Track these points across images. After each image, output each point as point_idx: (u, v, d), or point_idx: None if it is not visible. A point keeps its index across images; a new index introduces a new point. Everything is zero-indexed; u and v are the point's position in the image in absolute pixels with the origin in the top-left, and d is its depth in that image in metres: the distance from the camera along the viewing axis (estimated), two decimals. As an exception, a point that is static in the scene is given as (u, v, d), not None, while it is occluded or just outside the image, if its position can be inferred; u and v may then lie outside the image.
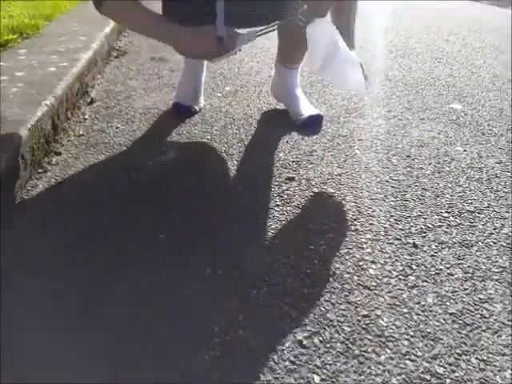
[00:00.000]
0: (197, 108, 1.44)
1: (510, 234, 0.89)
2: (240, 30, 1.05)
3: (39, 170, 1.03)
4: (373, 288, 0.74)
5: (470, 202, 0.99)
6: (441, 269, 0.78)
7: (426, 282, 0.76)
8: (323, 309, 0.69)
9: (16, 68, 1.35)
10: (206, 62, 1.51)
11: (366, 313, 0.69)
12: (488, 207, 0.97)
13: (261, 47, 2.18)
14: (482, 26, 3.10)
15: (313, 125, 1.35)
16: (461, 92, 1.69)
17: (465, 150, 1.23)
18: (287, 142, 1.27)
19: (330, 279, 0.76)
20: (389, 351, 0.62)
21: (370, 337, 0.64)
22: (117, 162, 1.10)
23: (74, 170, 1.04)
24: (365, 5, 3.67)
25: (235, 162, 1.15)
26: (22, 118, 0.99)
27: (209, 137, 1.28)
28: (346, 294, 0.73)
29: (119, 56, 2.02)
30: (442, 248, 0.84)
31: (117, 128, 1.29)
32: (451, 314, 0.69)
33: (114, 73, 1.80)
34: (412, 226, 0.90)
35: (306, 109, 1.39)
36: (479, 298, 0.72)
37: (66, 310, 0.67)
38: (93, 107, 1.43)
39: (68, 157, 1.11)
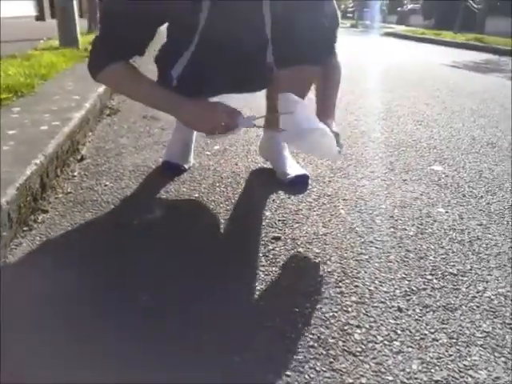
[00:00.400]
0: (186, 166, 1.47)
1: (492, 297, 0.89)
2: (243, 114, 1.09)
3: (24, 228, 1.02)
4: (358, 354, 0.73)
5: (452, 264, 1.00)
6: (425, 334, 0.78)
7: (411, 347, 0.75)
8: (307, 376, 0.68)
9: (9, 126, 1.38)
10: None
11: (351, 381, 0.67)
12: (470, 270, 0.98)
13: (250, 107, 2.26)
14: (460, 91, 3.27)
15: (299, 184, 1.38)
16: (441, 154, 1.76)
17: (446, 212, 1.26)
18: (274, 200, 1.29)
19: (315, 344, 0.74)
20: (374, 423, 0.60)
21: (355, 407, 0.63)
22: (103, 221, 1.10)
23: (59, 229, 1.04)
24: (349, 69, 3.89)
25: (222, 221, 1.16)
26: (11, 176, 1.01)
27: (196, 195, 1.30)
28: (331, 360, 0.71)
29: (111, 114, 2.08)
30: (427, 312, 0.84)
31: (105, 186, 1.31)
32: (436, 381, 0.68)
33: (105, 130, 1.85)
34: (396, 289, 0.90)
35: (293, 168, 1.43)
36: (464, 365, 0.71)
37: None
38: (82, 164, 1.45)
39: (55, 215, 1.11)
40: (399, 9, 19.03)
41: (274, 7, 1.07)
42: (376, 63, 4.94)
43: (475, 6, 11.96)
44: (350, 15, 21.40)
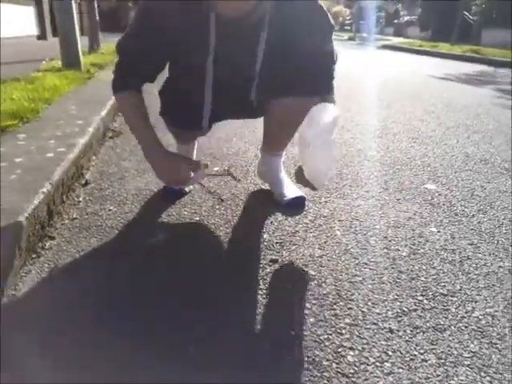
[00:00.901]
0: (186, 189, 1.52)
1: (480, 317, 0.93)
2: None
3: (33, 256, 1.07)
4: (350, 375, 0.77)
5: (443, 284, 1.04)
6: (415, 355, 0.82)
7: (401, 368, 0.79)
8: (303, 399, 0.72)
9: (15, 154, 1.44)
10: (196, 144, 1.63)
11: (343, 402, 0.71)
12: (460, 290, 1.02)
13: (248, 128, 2.32)
14: (455, 105, 3.33)
15: (296, 206, 1.43)
16: (435, 172, 1.80)
17: (439, 231, 1.30)
18: (271, 222, 1.33)
19: (310, 367, 0.78)
20: None
21: (347, 428, 0.67)
22: (108, 246, 1.15)
23: (66, 255, 1.09)
24: (346, 85, 3.96)
25: (222, 244, 1.21)
26: (20, 206, 1.06)
27: (197, 218, 1.35)
28: (325, 382, 0.75)
29: (114, 137, 2.14)
30: (417, 333, 0.88)
31: (109, 210, 1.35)
32: (425, 402, 0.72)
33: (108, 154, 1.90)
34: (388, 310, 0.94)
35: (290, 190, 1.48)
36: (452, 386, 0.75)
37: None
38: (87, 189, 1.51)
39: (61, 241, 1.16)
40: (396, 21, 19.25)
41: (269, 42, 1.13)
42: (373, 78, 5.02)
43: (471, 17, 12.13)
44: (348, 28, 21.63)
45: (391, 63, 7.40)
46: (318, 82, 1.24)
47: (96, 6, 5.51)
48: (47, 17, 8.62)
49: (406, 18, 18.64)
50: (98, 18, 5.45)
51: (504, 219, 1.40)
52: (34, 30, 8.33)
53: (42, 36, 8.41)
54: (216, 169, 1.23)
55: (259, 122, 1.49)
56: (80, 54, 3.61)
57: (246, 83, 1.22)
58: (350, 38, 16.23)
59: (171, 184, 1.38)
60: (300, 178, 1.34)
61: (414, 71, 5.94)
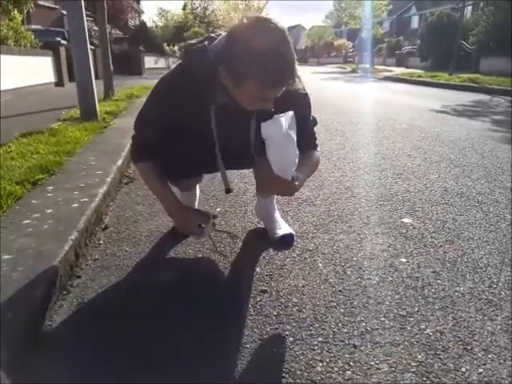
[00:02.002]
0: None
1: (430, 333, 1.13)
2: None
3: (64, 292, 1.30)
4: (317, 381, 0.97)
5: (404, 307, 1.24)
6: (371, 364, 1.02)
7: (359, 375, 0.99)
8: (278, 399, 0.92)
9: (46, 205, 1.70)
10: (198, 189, 1.87)
11: (310, 402, 0.92)
12: (417, 311, 1.22)
13: (248, 170, 2.57)
14: (443, 139, 3.56)
15: (286, 242, 1.65)
16: (413, 206, 2.02)
17: (407, 261, 1.51)
18: (264, 257, 1.56)
19: (286, 376, 0.99)
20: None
21: (310, 420, 0.87)
22: (125, 283, 1.38)
23: (91, 291, 1.32)
24: (343, 123, 4.22)
25: (221, 277, 1.43)
26: (54, 251, 1.30)
27: (200, 255, 1.58)
28: (297, 387, 0.96)
29: (129, 183, 2.41)
30: (375, 347, 1.08)
31: (125, 251, 1.59)
32: (375, 400, 0.92)
33: (124, 199, 2.16)
34: (355, 330, 1.15)
35: (281, 228, 1.71)
36: (397, 387, 0.95)
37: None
38: (106, 233, 1.75)
39: (86, 279, 1.39)
40: (397, 52, 19.84)
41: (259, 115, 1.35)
42: (369, 115, 5.28)
43: (469, 47, 12.51)
44: (351, 59, 22.25)
45: (389, 98, 7.69)
46: (299, 142, 1.49)
47: (110, 53, 5.95)
48: (64, 63, 9.20)
49: (407, 49, 19.23)
50: (112, 67, 5.87)
51: (467, 249, 1.60)
52: (51, 78, 8.88)
53: (59, 83, 8.96)
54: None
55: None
56: (96, 104, 3.96)
57: (246, 146, 1.43)
58: (353, 70, 16.75)
59: (186, 233, 1.63)
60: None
61: (411, 105, 6.21)
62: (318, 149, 1.55)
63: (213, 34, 1.32)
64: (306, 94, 1.44)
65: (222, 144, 1.41)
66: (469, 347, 1.08)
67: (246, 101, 1.22)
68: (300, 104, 1.43)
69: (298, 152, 1.29)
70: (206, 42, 1.26)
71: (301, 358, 1.05)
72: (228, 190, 1.54)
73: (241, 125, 1.36)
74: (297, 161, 1.29)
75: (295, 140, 1.26)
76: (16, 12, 7.76)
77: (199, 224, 1.46)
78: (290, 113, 1.26)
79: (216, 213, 1.57)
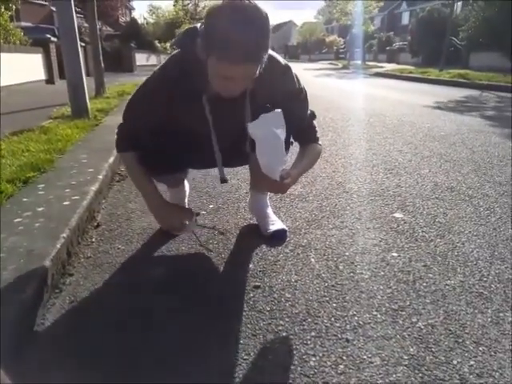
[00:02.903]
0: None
1: (422, 327, 1.14)
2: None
3: (56, 291, 1.30)
4: (311, 376, 0.98)
5: (395, 301, 1.26)
6: (364, 358, 1.03)
7: (352, 369, 1.00)
8: (272, 394, 0.93)
9: (37, 203, 1.69)
10: (187, 184, 1.86)
11: (303, 395, 0.93)
12: (409, 305, 1.24)
13: (242, 167, 2.57)
14: (434, 134, 3.59)
15: (278, 238, 1.66)
16: (404, 201, 2.03)
17: (399, 256, 1.52)
18: (257, 253, 1.56)
19: (280, 370, 1.00)
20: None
21: (303, 413, 0.87)
22: (118, 280, 1.38)
23: (83, 289, 1.32)
24: (335, 120, 4.23)
25: (214, 273, 1.43)
26: (46, 250, 1.29)
27: (193, 251, 1.58)
28: (290, 381, 0.97)
29: (120, 180, 2.40)
30: (368, 341, 1.09)
31: (118, 249, 1.59)
32: (367, 393, 0.93)
33: (116, 196, 2.15)
34: (347, 324, 1.16)
35: (274, 224, 1.71)
36: (389, 381, 0.96)
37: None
38: (99, 230, 1.74)
39: (79, 277, 1.39)
40: (388, 48, 19.89)
41: (253, 106, 1.34)
42: (360, 111, 5.30)
43: (459, 43, 12.58)
44: (342, 56, 22.28)
45: (380, 94, 7.72)
46: (299, 136, 1.50)
47: (101, 50, 5.90)
48: (54, 61, 9.11)
49: (398, 45, 19.29)
50: (103, 64, 5.83)
51: (458, 243, 1.62)
52: (42, 75, 8.79)
53: (49, 80, 8.88)
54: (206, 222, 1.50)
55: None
56: (88, 101, 3.93)
57: (240, 139, 1.42)
58: (344, 67, 16.77)
59: (168, 230, 1.63)
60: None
61: (402, 101, 6.24)
62: (320, 142, 1.56)
63: None
64: (303, 89, 1.45)
65: (217, 136, 1.39)
66: (460, 340, 1.09)
67: (213, 80, 1.19)
68: (295, 98, 1.44)
69: (285, 152, 1.29)
70: (198, 25, 1.25)
71: (294, 352, 1.05)
72: (223, 180, 1.50)
73: (235, 116, 1.33)
74: (285, 159, 1.29)
75: (283, 139, 1.25)
76: (3, 9, 7.66)
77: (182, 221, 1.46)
78: (278, 111, 1.25)
79: (198, 210, 1.56)
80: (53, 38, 9.30)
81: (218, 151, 1.43)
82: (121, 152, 1.49)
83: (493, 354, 1.05)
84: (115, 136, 1.48)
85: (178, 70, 1.29)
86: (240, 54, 1.07)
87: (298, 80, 1.43)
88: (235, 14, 1.05)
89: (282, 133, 1.25)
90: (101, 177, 2.06)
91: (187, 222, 1.47)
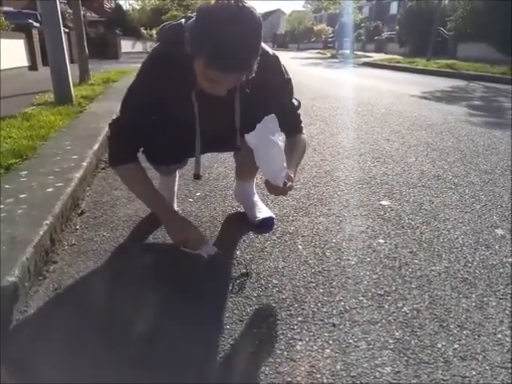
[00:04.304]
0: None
1: (407, 311, 1.15)
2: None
3: (39, 278, 1.28)
4: (297, 360, 0.98)
5: (381, 287, 1.26)
6: (350, 342, 1.03)
7: (338, 353, 1.00)
8: (258, 379, 0.93)
9: (19, 190, 1.65)
10: (177, 173, 1.84)
11: (289, 379, 0.93)
12: (395, 290, 1.25)
13: (229, 154, 2.55)
14: (421, 124, 3.61)
15: (266, 225, 1.65)
16: (391, 189, 2.04)
17: (385, 242, 1.53)
18: (244, 240, 1.55)
19: (266, 355, 1.00)
20: (302, 407, 0.85)
21: (290, 397, 0.88)
22: (103, 268, 1.36)
23: (68, 276, 1.30)
24: (323, 109, 4.23)
25: (200, 261, 1.41)
26: (29, 237, 1.27)
27: (180, 239, 1.56)
28: (277, 366, 0.97)
29: (105, 167, 2.36)
30: (354, 326, 1.09)
31: (103, 236, 1.57)
32: (353, 376, 0.93)
33: (101, 184, 2.12)
34: (333, 309, 1.16)
35: (261, 212, 1.70)
36: (375, 364, 0.97)
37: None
38: (83, 218, 1.72)
39: (63, 264, 1.36)
40: (376, 37, 19.89)
41: (243, 101, 1.32)
42: (349, 99, 5.30)
43: (447, 33, 12.62)
44: (331, 45, 22.23)
45: (368, 84, 7.73)
46: (285, 127, 1.48)
47: (85, 36, 5.78)
48: (37, 47, 8.91)
49: (386, 35, 19.30)
50: (87, 50, 5.71)
51: (444, 229, 1.63)
52: (24, 62, 8.59)
53: (32, 67, 8.68)
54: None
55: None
56: (71, 88, 3.85)
57: (230, 134, 1.40)
58: (333, 56, 16.73)
59: (179, 246, 1.42)
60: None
61: (389, 91, 6.25)
62: (304, 131, 1.55)
63: (190, 14, 1.29)
64: (290, 80, 1.43)
65: (204, 129, 1.36)
66: (444, 324, 1.11)
67: (199, 77, 1.16)
68: (283, 88, 1.42)
69: (284, 157, 1.29)
70: (183, 20, 1.22)
71: (281, 337, 1.05)
72: (197, 176, 1.47)
73: (224, 108, 1.31)
74: (285, 165, 1.30)
75: (280, 144, 1.26)
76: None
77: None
78: (271, 116, 1.25)
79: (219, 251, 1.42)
80: (35, 24, 9.08)
81: (199, 147, 1.41)
82: (119, 165, 1.37)
83: (476, 337, 1.06)
84: (108, 149, 1.43)
85: (165, 65, 1.25)
86: (231, 64, 1.06)
87: (285, 70, 1.42)
88: (229, 19, 1.01)
89: (278, 137, 1.27)
90: (85, 164, 2.02)
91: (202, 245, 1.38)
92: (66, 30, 8.04)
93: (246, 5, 1.03)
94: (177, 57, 1.19)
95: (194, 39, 1.08)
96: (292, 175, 1.39)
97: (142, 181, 1.38)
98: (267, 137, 1.25)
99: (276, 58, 1.36)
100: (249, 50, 1.06)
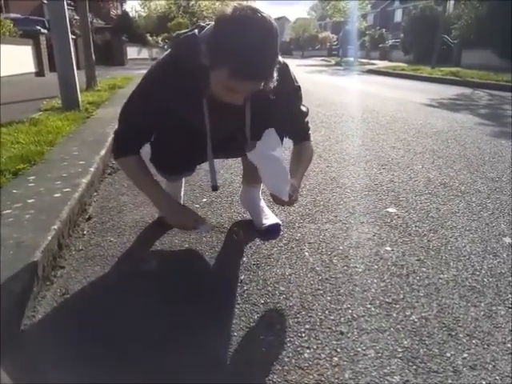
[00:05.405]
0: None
1: (416, 320, 1.14)
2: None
3: (47, 283, 1.28)
4: (305, 368, 0.98)
5: (389, 294, 1.26)
6: (358, 351, 1.03)
7: (346, 361, 1.00)
8: (266, 386, 0.92)
9: (27, 195, 1.66)
10: (184, 180, 1.85)
11: (298, 388, 0.92)
12: (403, 298, 1.24)
13: (234, 160, 2.55)
14: (427, 131, 3.60)
15: (272, 232, 1.65)
16: (398, 196, 2.04)
17: (392, 250, 1.52)
18: (250, 247, 1.55)
19: (274, 362, 0.99)
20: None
21: (298, 406, 0.87)
22: (110, 273, 1.36)
23: (75, 281, 1.30)
24: (328, 116, 4.23)
25: (207, 268, 1.42)
26: (36, 242, 1.27)
27: (186, 245, 1.56)
28: (285, 374, 0.96)
29: (112, 173, 2.37)
30: (362, 334, 1.09)
31: (110, 241, 1.57)
32: (361, 385, 0.93)
33: (108, 189, 2.13)
34: (341, 317, 1.15)
35: (268, 218, 1.70)
36: (384, 373, 0.96)
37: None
38: (90, 223, 1.72)
39: (70, 270, 1.37)
40: (381, 45, 19.94)
41: (254, 110, 1.32)
42: (354, 106, 5.31)
43: (451, 40, 12.64)
44: (335, 52, 22.29)
45: (373, 91, 7.73)
46: (293, 134, 1.50)
47: (92, 43, 5.83)
48: (44, 53, 8.99)
49: (391, 42, 19.35)
50: (94, 56, 5.75)
51: (451, 237, 1.62)
52: (32, 68, 8.67)
53: (39, 73, 8.76)
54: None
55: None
56: (78, 94, 3.88)
57: (240, 141, 1.39)
58: (337, 63, 16.77)
59: (180, 228, 1.54)
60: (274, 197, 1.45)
61: (394, 98, 6.25)
62: (312, 138, 1.57)
63: (203, 23, 1.30)
64: (299, 87, 1.44)
65: (214, 136, 1.37)
66: (453, 333, 1.10)
67: (216, 87, 1.18)
68: (292, 95, 1.43)
69: (287, 170, 1.33)
70: (196, 31, 1.23)
71: (288, 345, 1.05)
72: (215, 188, 1.48)
73: (234, 115, 1.31)
74: (289, 178, 1.33)
75: (281, 158, 1.30)
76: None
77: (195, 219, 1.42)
78: (270, 131, 1.28)
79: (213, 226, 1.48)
80: (43, 30, 9.17)
81: (212, 159, 1.42)
82: (120, 157, 1.41)
83: (486, 346, 1.05)
84: (112, 142, 1.45)
85: (175, 73, 1.26)
86: (253, 73, 1.09)
87: (295, 78, 1.43)
88: (248, 29, 1.03)
89: (279, 151, 1.31)
90: (92, 169, 2.03)
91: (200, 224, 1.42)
92: (73, 37, 8.06)
93: (263, 14, 1.05)
94: (189, 66, 1.19)
95: (215, 50, 1.09)
96: (297, 186, 1.40)
97: (141, 172, 1.40)
98: (269, 153, 1.29)
99: (286, 66, 1.36)
100: (271, 57, 1.09)
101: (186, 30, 1.28)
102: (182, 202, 1.82)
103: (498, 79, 7.75)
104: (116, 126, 1.42)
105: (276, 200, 1.37)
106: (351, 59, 16.77)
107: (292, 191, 1.35)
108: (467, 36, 12.09)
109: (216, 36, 1.09)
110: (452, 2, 15.30)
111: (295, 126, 1.50)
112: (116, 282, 1.32)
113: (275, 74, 1.14)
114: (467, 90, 7.37)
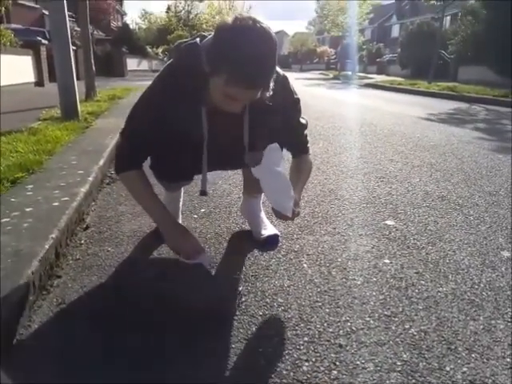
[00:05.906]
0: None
1: (415, 333, 1.14)
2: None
3: (44, 292, 1.27)
4: (304, 381, 0.96)
5: (388, 307, 1.25)
6: (357, 364, 1.02)
7: (345, 375, 0.99)
8: (264, 400, 0.91)
9: (25, 204, 1.65)
10: (182, 190, 1.84)
11: (296, 401, 0.91)
12: (402, 311, 1.23)
13: (232, 171, 2.56)
14: (424, 144, 3.63)
15: (271, 243, 1.65)
16: (396, 209, 2.04)
17: (391, 262, 1.52)
18: (249, 258, 1.54)
19: (272, 375, 0.98)
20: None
21: (297, 419, 0.86)
22: (107, 283, 1.35)
23: (72, 291, 1.29)
24: (326, 128, 4.26)
25: (205, 278, 1.41)
26: (34, 250, 1.26)
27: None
28: (283, 387, 0.95)
29: (111, 183, 2.37)
30: (361, 347, 1.08)
31: (107, 251, 1.56)
32: (361, 399, 0.92)
33: (106, 199, 2.12)
34: (340, 330, 1.14)
35: (267, 229, 1.70)
36: (383, 386, 0.95)
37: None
38: (88, 232, 1.71)
39: (67, 279, 1.36)
40: (378, 59, 20.16)
41: (252, 122, 1.33)
42: (351, 119, 5.34)
43: (448, 56, 12.79)
44: (333, 66, 22.51)
45: (370, 104, 7.80)
46: (292, 147, 1.52)
47: (92, 54, 5.87)
48: (44, 63, 9.03)
49: (388, 57, 19.57)
50: (94, 67, 5.79)
51: (449, 250, 1.62)
52: (31, 78, 8.71)
53: (39, 83, 8.80)
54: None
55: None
56: (78, 104, 3.89)
57: (239, 151, 1.39)
58: (335, 77, 16.93)
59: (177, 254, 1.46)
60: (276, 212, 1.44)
61: (392, 112, 6.30)
62: (310, 151, 1.57)
63: (204, 33, 1.31)
64: (298, 99, 1.45)
65: (212, 147, 1.36)
66: (452, 347, 1.09)
67: (215, 94, 1.19)
68: (291, 107, 1.44)
69: (290, 185, 1.34)
70: (198, 39, 1.24)
71: (287, 357, 1.04)
72: (203, 192, 1.47)
73: (233, 125, 1.32)
74: (292, 193, 1.34)
75: (283, 173, 1.31)
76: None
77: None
78: (273, 146, 1.29)
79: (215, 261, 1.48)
80: (43, 41, 9.24)
81: (206, 166, 1.41)
82: (123, 172, 1.39)
83: (485, 361, 1.04)
84: (115, 157, 1.44)
85: (176, 82, 1.27)
86: (251, 81, 1.11)
87: (294, 90, 1.44)
88: (248, 38, 1.06)
89: (282, 166, 1.32)
90: (91, 178, 2.03)
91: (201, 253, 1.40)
92: (74, 48, 8.13)
93: (263, 24, 1.08)
94: (190, 73, 1.21)
95: (214, 58, 1.11)
96: (297, 199, 1.40)
97: (144, 188, 1.39)
98: (273, 168, 1.29)
99: (285, 78, 1.38)
100: (268, 66, 1.11)
101: (188, 39, 1.29)
102: (180, 214, 1.81)
103: (495, 94, 7.83)
104: (116, 137, 1.42)
105: (278, 215, 1.38)
106: (349, 73, 16.93)
107: (293, 205, 1.35)
108: (464, 52, 12.25)
109: (216, 44, 1.12)
110: (449, 18, 15.53)
111: (294, 139, 1.51)
112: (112, 293, 1.31)
113: (272, 84, 1.16)
114: (464, 105, 7.44)
